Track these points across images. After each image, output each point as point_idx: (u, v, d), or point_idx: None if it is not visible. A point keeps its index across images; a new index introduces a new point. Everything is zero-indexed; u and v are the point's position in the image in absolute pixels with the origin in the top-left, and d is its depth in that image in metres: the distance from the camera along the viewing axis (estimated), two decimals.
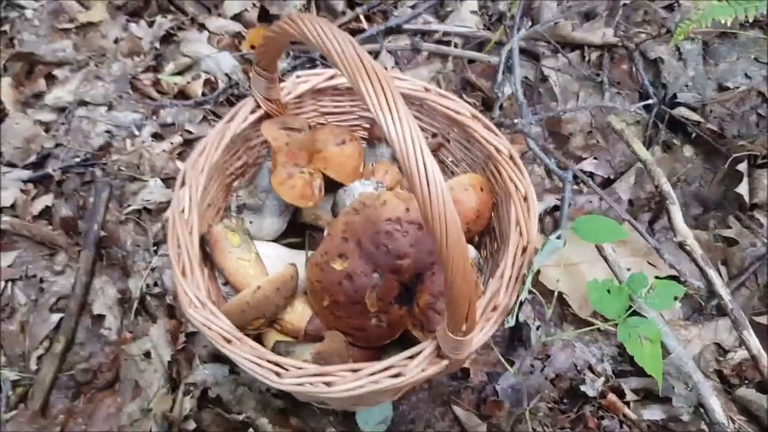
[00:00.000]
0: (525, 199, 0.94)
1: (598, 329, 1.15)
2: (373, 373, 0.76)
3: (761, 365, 0.94)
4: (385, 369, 0.77)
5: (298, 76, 1.08)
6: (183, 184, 0.92)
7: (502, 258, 0.88)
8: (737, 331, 0.96)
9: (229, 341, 0.78)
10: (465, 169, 1.12)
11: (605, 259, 1.07)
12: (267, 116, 1.03)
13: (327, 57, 0.67)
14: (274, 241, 1.07)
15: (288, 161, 0.96)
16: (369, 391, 0.76)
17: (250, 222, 1.02)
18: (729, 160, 1.32)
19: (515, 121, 1.21)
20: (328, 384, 0.76)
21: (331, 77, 1.09)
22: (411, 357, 0.78)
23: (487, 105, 1.62)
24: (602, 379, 1.14)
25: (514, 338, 1.23)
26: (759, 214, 1.28)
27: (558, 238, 0.90)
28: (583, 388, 1.13)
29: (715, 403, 0.96)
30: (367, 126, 1.16)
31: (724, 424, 0.95)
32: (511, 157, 0.99)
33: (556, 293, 0.96)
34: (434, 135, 1.13)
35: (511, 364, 1.19)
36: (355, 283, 0.85)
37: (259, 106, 1.01)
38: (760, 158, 1.30)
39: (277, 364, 0.77)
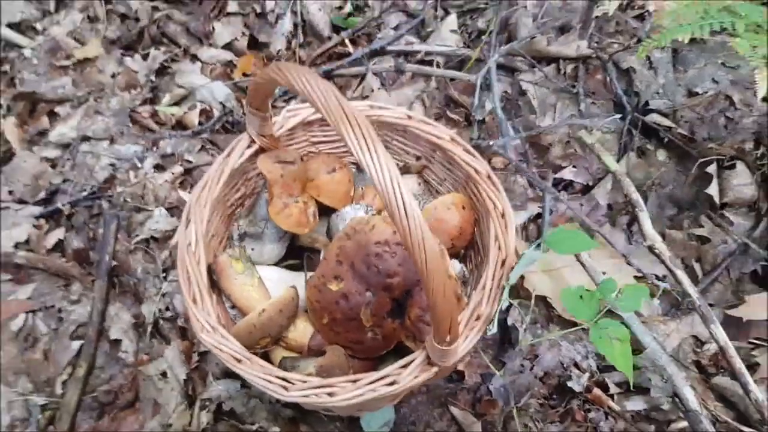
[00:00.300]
0: (503, 215, 1.02)
1: (582, 328, 1.24)
2: (370, 383, 0.85)
3: (728, 355, 1.02)
4: (382, 378, 0.85)
5: (288, 111, 1.17)
6: (188, 219, 1.00)
7: (484, 271, 0.96)
8: (705, 325, 1.04)
9: (239, 361, 0.86)
10: (448, 188, 1.20)
11: (582, 264, 1.16)
12: (262, 150, 1.11)
13: (312, 105, 0.76)
14: (275, 264, 1.15)
15: (283, 192, 1.04)
16: (368, 399, 0.85)
17: (252, 249, 1.10)
18: (698, 162, 1.40)
19: (490, 143, 1.29)
20: (330, 394, 0.84)
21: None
22: (404, 366, 0.86)
23: (470, 120, 1.70)
24: (587, 374, 1.22)
25: (504, 341, 1.31)
26: (729, 213, 1.36)
27: (538, 246, 0.98)
28: (569, 384, 1.22)
29: (689, 392, 1.04)
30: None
31: (697, 411, 1.03)
32: (489, 177, 1.07)
33: (533, 297, 1.05)
34: (418, 158, 1.22)
35: (503, 365, 1.28)
36: (351, 301, 0.94)
37: (254, 142, 1.10)
38: (726, 159, 1.39)
39: (284, 379, 0.85)
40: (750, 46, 1.04)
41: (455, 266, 1.06)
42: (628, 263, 1.06)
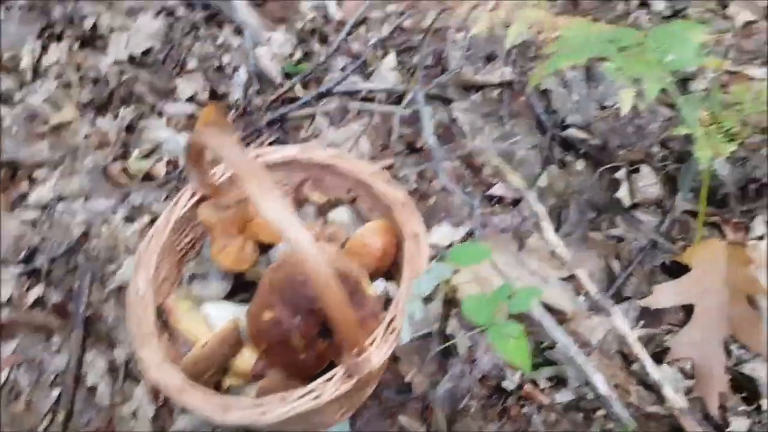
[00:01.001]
0: (416, 237, 1.15)
1: None
2: (298, 398, 0.97)
3: (628, 341, 1.14)
4: (307, 393, 0.97)
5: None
6: (137, 266, 1.14)
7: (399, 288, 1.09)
8: (604, 314, 1.16)
9: (181, 391, 0.99)
10: (378, 215, 1.33)
11: (500, 272, 1.29)
12: (204, 198, 1.25)
13: (221, 160, 0.90)
14: (225, 299, 1.28)
15: (222, 234, 1.18)
16: (297, 413, 0.96)
17: (200, 288, 1.24)
18: (605, 168, 1.54)
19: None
20: (263, 413, 0.96)
21: (255, 158, 1.32)
22: (327, 380, 0.98)
23: (412, 148, 1.84)
24: (519, 372, 1.34)
25: (446, 350, 1.43)
26: (639, 212, 1.50)
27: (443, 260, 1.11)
28: (504, 383, 1.33)
29: (598, 380, 1.16)
30: (294, 191, 1.39)
31: (607, 396, 1.15)
32: (405, 204, 1.21)
33: (441, 302, 1.16)
34: (349, 190, 1.36)
35: (446, 372, 1.40)
36: (282, 327, 1.07)
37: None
38: (628, 164, 1.53)
39: (221, 403, 0.97)
40: (617, 68, 1.19)
41: (379, 286, 1.20)
42: (521, 263, 1.19)
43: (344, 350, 0.91)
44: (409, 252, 1.14)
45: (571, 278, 1.47)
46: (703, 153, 1.15)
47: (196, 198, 1.24)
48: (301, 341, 1.07)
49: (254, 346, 1.14)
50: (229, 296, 1.29)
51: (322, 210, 1.36)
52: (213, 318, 1.18)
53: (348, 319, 0.86)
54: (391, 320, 1.04)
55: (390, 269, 1.27)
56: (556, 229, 1.57)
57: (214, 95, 2.14)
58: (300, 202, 1.34)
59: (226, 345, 1.09)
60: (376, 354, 0.99)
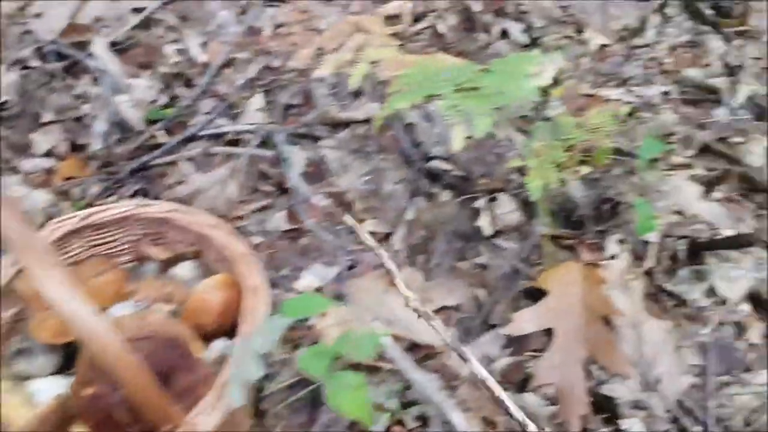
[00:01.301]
0: (255, 291, 1.10)
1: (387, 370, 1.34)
2: None
3: (480, 377, 1.13)
4: None
5: (56, 222, 1.22)
6: None
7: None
8: (457, 353, 1.15)
9: None
10: (224, 268, 1.27)
11: (362, 314, 1.25)
12: None
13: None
14: (59, 372, 1.17)
15: (41, 306, 1.08)
16: None
17: (26, 364, 1.12)
18: (467, 197, 1.57)
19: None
20: None
21: (87, 217, 1.23)
22: None
23: (282, 189, 1.80)
24: (387, 414, 1.30)
25: (315, 398, 1.37)
26: (501, 239, 1.52)
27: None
28: (372, 428, 1.28)
29: (457, 417, 1.14)
30: (133, 249, 1.31)
31: None
32: (245, 256, 1.16)
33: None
34: (192, 244, 1.29)
35: (315, 421, 1.33)
36: (103, 402, 0.97)
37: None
38: (486, 193, 1.56)
39: None
40: (449, 106, 1.20)
41: (217, 345, 1.13)
42: (387, 302, 1.16)
43: (155, 428, 0.84)
44: (247, 306, 1.08)
45: (441, 311, 1.48)
46: (533, 183, 1.17)
47: (17, 268, 1.14)
48: (126, 416, 0.98)
49: (83, 424, 1.04)
50: (64, 369, 1.18)
51: (167, 266, 1.28)
52: (40, 395, 1.07)
53: (145, 397, 0.79)
54: (225, 383, 0.97)
55: (233, 326, 1.21)
56: (425, 262, 1.58)
57: (74, 147, 2.02)
58: (140, 260, 1.26)
59: (49, 423, 0.99)
60: (205, 422, 0.92)
